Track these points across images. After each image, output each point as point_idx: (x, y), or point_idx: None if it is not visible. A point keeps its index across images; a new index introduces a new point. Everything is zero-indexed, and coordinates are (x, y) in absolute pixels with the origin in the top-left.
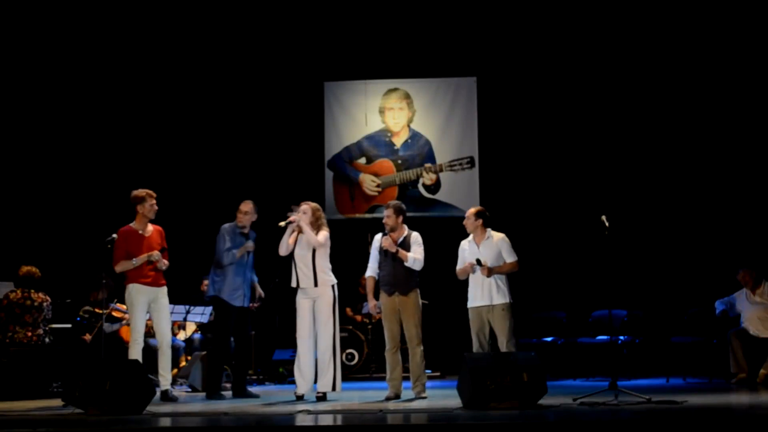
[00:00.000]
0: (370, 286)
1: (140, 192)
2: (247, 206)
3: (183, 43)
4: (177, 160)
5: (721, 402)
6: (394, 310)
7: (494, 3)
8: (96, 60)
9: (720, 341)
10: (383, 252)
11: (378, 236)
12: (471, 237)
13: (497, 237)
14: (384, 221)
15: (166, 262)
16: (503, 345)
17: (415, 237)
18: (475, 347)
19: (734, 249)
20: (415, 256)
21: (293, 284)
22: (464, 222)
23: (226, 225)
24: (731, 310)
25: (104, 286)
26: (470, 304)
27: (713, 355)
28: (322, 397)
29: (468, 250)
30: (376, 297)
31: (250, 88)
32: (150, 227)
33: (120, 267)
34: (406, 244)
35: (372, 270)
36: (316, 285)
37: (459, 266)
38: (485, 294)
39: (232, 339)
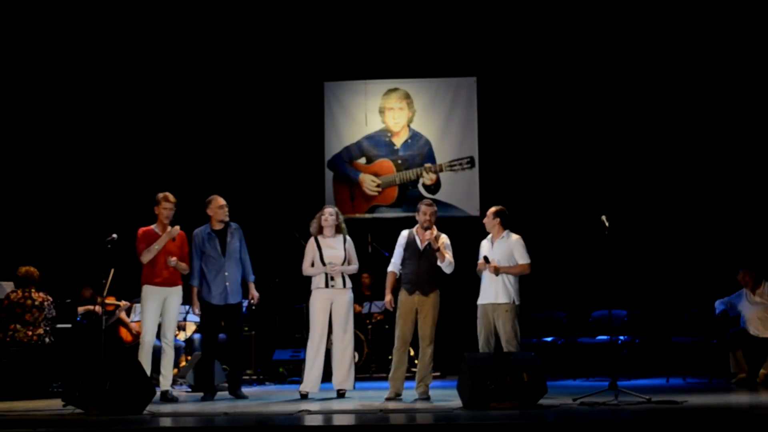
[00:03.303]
0: (390, 281)
1: (158, 195)
2: (220, 201)
3: (183, 44)
4: (177, 161)
5: (721, 402)
6: (411, 309)
7: (494, 3)
8: (96, 60)
9: (720, 341)
10: (411, 249)
11: (405, 232)
12: (490, 235)
13: (513, 238)
14: (425, 218)
15: (177, 260)
16: (505, 345)
17: (445, 239)
18: (482, 344)
19: (734, 249)
20: (451, 260)
21: (320, 285)
22: (484, 220)
23: (198, 231)
24: (731, 310)
25: (87, 283)
26: (479, 301)
27: (713, 355)
28: (342, 394)
29: (485, 248)
30: (383, 296)
31: (250, 89)
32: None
33: (145, 255)
34: None
35: (394, 266)
36: (344, 286)
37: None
38: (491, 292)
39: (225, 337)
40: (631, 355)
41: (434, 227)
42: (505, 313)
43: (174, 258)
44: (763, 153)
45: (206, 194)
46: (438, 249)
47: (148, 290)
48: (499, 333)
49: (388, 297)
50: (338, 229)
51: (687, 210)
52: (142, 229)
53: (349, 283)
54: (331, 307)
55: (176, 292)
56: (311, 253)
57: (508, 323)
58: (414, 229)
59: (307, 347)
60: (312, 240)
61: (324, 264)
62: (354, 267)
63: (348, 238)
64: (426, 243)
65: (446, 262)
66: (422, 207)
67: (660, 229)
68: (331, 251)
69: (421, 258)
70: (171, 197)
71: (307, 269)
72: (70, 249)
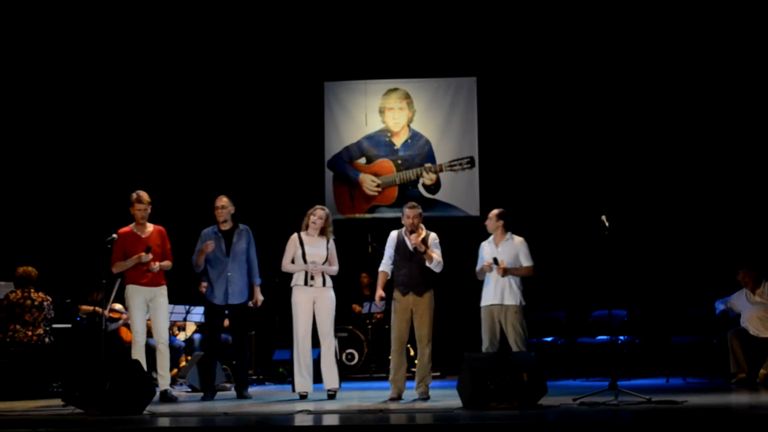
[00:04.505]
0: (381, 280)
1: (131, 195)
2: (220, 201)
3: (183, 44)
4: (177, 161)
5: (721, 402)
6: (406, 309)
7: (494, 3)
8: (96, 60)
9: (720, 341)
10: (401, 250)
11: (393, 234)
12: (491, 238)
13: (517, 240)
14: (409, 221)
15: (159, 264)
16: (515, 345)
17: (434, 238)
18: (485, 346)
19: (734, 249)
20: (439, 259)
21: (299, 282)
22: (486, 222)
23: (206, 230)
24: (731, 310)
25: (102, 286)
26: (483, 303)
27: (713, 355)
28: (333, 395)
29: (487, 250)
30: (389, 294)
31: (250, 89)
32: (150, 228)
33: (116, 268)
34: (424, 245)
35: (386, 266)
36: (324, 285)
37: (478, 267)
38: (497, 294)
39: (229, 338)
40: (631, 355)
41: (422, 228)
42: (514, 314)
43: (156, 264)
44: (763, 153)
45: (206, 194)
46: (425, 251)
47: (132, 290)
48: (507, 334)
49: (379, 293)
50: (323, 232)
51: (687, 210)
52: (120, 231)
53: (329, 283)
54: (313, 307)
55: (162, 292)
56: (293, 249)
57: (517, 324)
58: (403, 230)
59: (294, 347)
60: (295, 236)
61: (305, 262)
62: (334, 269)
63: (331, 240)
64: (413, 247)
65: (434, 263)
66: (405, 210)
67: (660, 229)
68: (313, 250)
69: (412, 260)
70: (144, 197)
71: (286, 265)
72: (70, 249)
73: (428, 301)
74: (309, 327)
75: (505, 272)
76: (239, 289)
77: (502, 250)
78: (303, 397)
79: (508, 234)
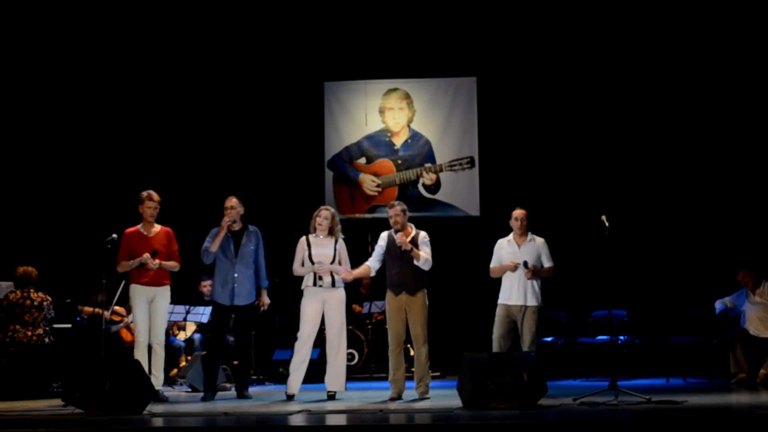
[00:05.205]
0: (362, 270)
1: (142, 194)
2: (229, 202)
3: (183, 44)
4: (177, 160)
5: (721, 402)
6: (399, 309)
7: (494, 3)
8: (97, 60)
9: (720, 341)
10: (391, 251)
11: (384, 234)
12: (510, 237)
13: (539, 240)
14: (393, 220)
15: (160, 262)
16: (526, 345)
17: (423, 237)
18: (495, 344)
19: (734, 249)
20: (426, 257)
21: (308, 283)
22: (514, 222)
23: (215, 229)
24: (731, 310)
25: (104, 287)
26: (502, 301)
27: (713, 355)
28: (332, 396)
29: (507, 249)
30: (382, 295)
31: (250, 89)
32: (156, 228)
33: (120, 268)
34: (414, 244)
35: (371, 261)
36: (333, 285)
37: (494, 264)
38: (520, 294)
39: (231, 339)
40: (631, 355)
41: (411, 226)
42: (532, 314)
43: (156, 261)
44: (763, 153)
45: (206, 195)
46: (411, 250)
47: (135, 290)
48: (523, 334)
49: (345, 272)
50: (331, 232)
51: (687, 210)
52: (127, 231)
53: (339, 283)
54: (323, 307)
55: (163, 292)
56: (301, 252)
57: (534, 325)
58: (392, 231)
59: (295, 347)
60: (303, 239)
61: (312, 263)
62: (344, 269)
63: (341, 239)
64: (400, 246)
65: (422, 261)
66: (389, 210)
67: (660, 229)
68: (320, 250)
69: (403, 259)
70: (155, 196)
71: (297, 269)
72: (70, 249)
73: (421, 300)
74: (314, 329)
75: (533, 275)
76: (246, 291)
77: (524, 251)
78: (290, 398)
79: (530, 234)
